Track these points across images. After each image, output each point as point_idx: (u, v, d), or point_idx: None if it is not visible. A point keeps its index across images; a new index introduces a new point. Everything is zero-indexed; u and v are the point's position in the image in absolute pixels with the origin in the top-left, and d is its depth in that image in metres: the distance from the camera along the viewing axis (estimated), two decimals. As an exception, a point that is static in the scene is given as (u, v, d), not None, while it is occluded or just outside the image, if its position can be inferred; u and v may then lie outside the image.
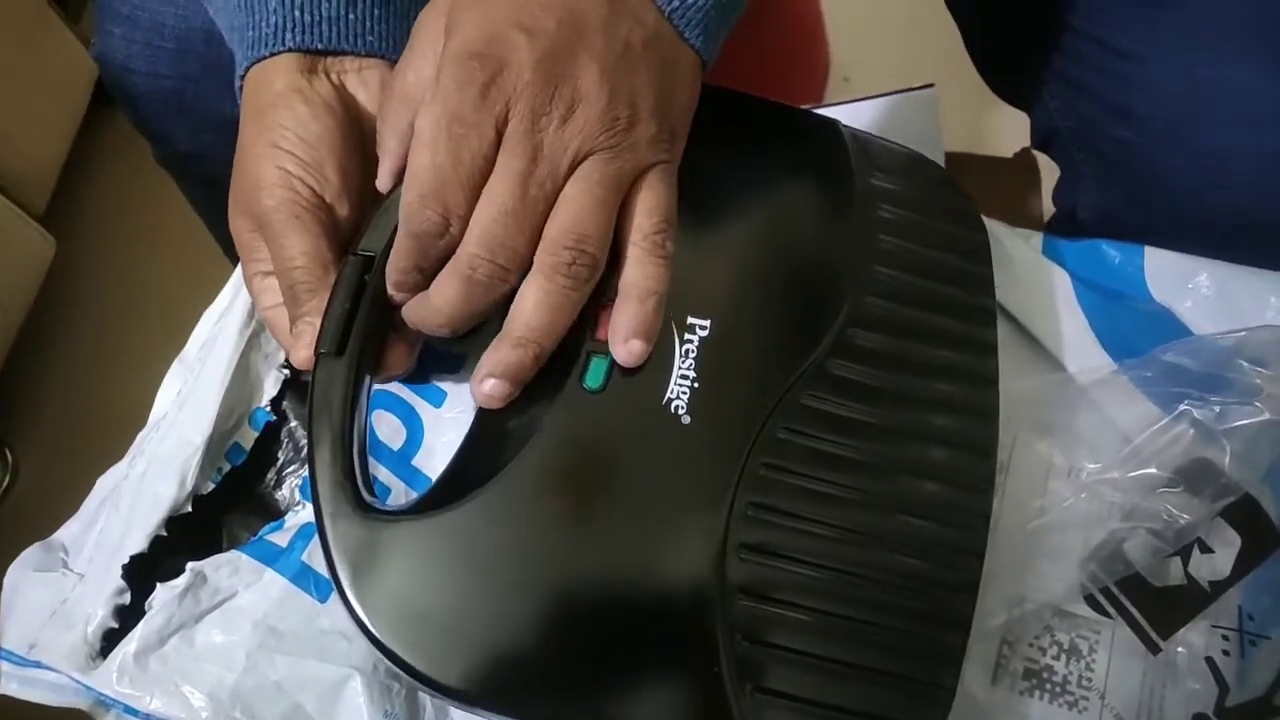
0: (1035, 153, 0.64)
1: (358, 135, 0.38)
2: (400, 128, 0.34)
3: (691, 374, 0.34)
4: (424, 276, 0.34)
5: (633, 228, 0.34)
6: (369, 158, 0.38)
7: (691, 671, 0.31)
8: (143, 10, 0.56)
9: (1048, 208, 0.67)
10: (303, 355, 0.35)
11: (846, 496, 0.34)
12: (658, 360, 0.34)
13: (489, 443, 0.35)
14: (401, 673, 0.31)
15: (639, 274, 0.34)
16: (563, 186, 0.33)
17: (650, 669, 0.31)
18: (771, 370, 0.35)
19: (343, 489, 0.32)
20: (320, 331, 0.35)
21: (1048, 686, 0.38)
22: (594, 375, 0.34)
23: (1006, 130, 1.00)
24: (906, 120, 0.60)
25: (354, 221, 0.38)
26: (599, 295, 0.35)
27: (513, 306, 0.33)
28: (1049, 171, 0.64)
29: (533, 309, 0.33)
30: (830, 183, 0.40)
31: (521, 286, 0.33)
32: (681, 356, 0.35)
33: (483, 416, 0.36)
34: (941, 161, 0.61)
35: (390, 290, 0.35)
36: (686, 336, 0.35)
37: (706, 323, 0.35)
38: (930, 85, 0.58)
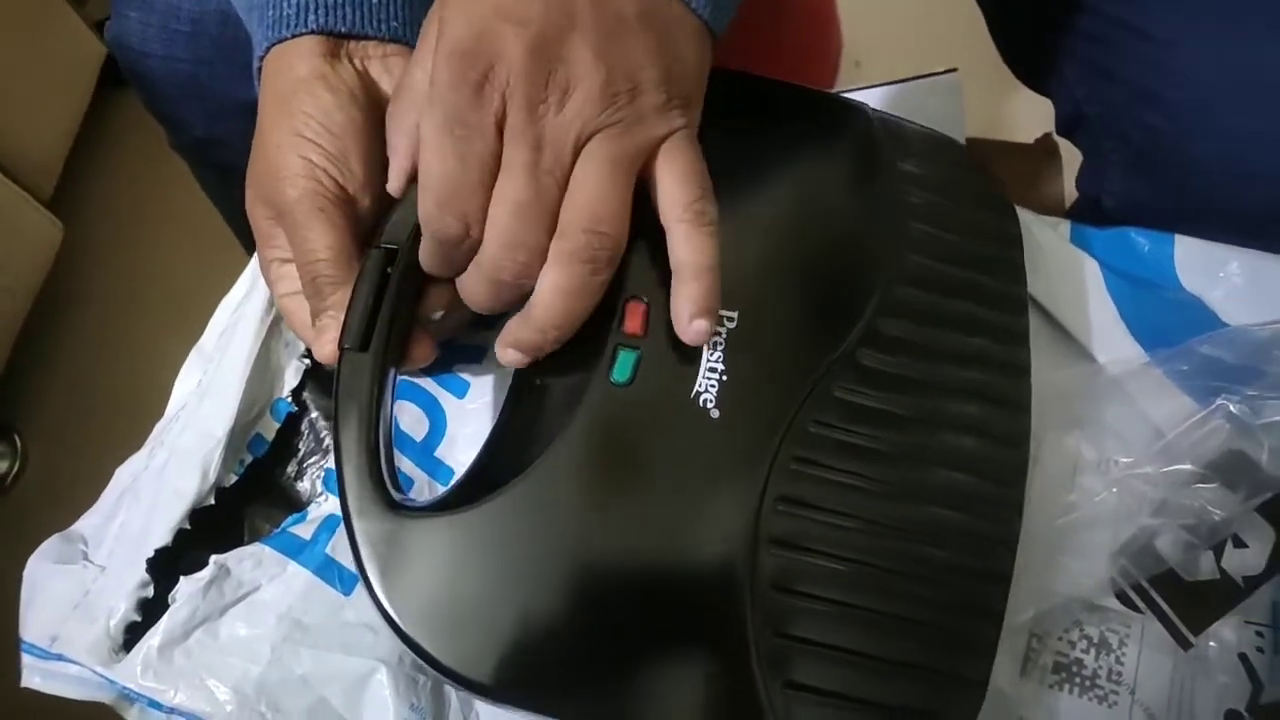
0: (1056, 138, 0.63)
1: (381, 124, 0.38)
2: (407, 127, 0.34)
3: (720, 367, 0.34)
4: (456, 269, 0.34)
5: (668, 201, 0.33)
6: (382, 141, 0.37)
7: (721, 667, 0.31)
8: None
9: (1069, 193, 0.67)
10: (327, 350, 0.35)
11: (877, 489, 0.34)
12: (686, 353, 0.34)
13: (516, 437, 0.35)
14: (431, 669, 0.30)
15: (688, 251, 0.33)
16: (571, 170, 0.32)
17: (679, 665, 0.31)
18: (800, 362, 0.35)
19: (369, 486, 0.32)
20: (344, 327, 0.34)
21: (1077, 680, 0.38)
22: (621, 369, 0.34)
23: (1023, 114, 1.00)
24: (928, 106, 0.59)
25: (376, 213, 0.37)
26: (624, 288, 0.34)
27: (534, 292, 0.33)
28: (1069, 157, 0.63)
29: (551, 298, 0.32)
30: (858, 169, 0.40)
31: (541, 273, 0.33)
32: (710, 349, 0.34)
33: (510, 411, 0.36)
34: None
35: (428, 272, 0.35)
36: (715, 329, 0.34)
37: (734, 314, 0.35)
38: (953, 70, 0.57)
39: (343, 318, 0.34)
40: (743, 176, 0.37)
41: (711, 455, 0.33)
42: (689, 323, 0.33)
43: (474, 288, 0.34)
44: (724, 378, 0.34)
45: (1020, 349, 0.38)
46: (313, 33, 0.37)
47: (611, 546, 0.32)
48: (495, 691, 0.31)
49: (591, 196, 0.32)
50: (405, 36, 0.39)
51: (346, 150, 0.36)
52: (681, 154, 0.33)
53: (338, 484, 0.32)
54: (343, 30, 0.38)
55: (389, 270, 0.34)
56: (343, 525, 0.37)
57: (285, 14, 0.37)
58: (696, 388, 0.34)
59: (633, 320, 0.34)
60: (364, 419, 0.33)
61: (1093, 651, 0.38)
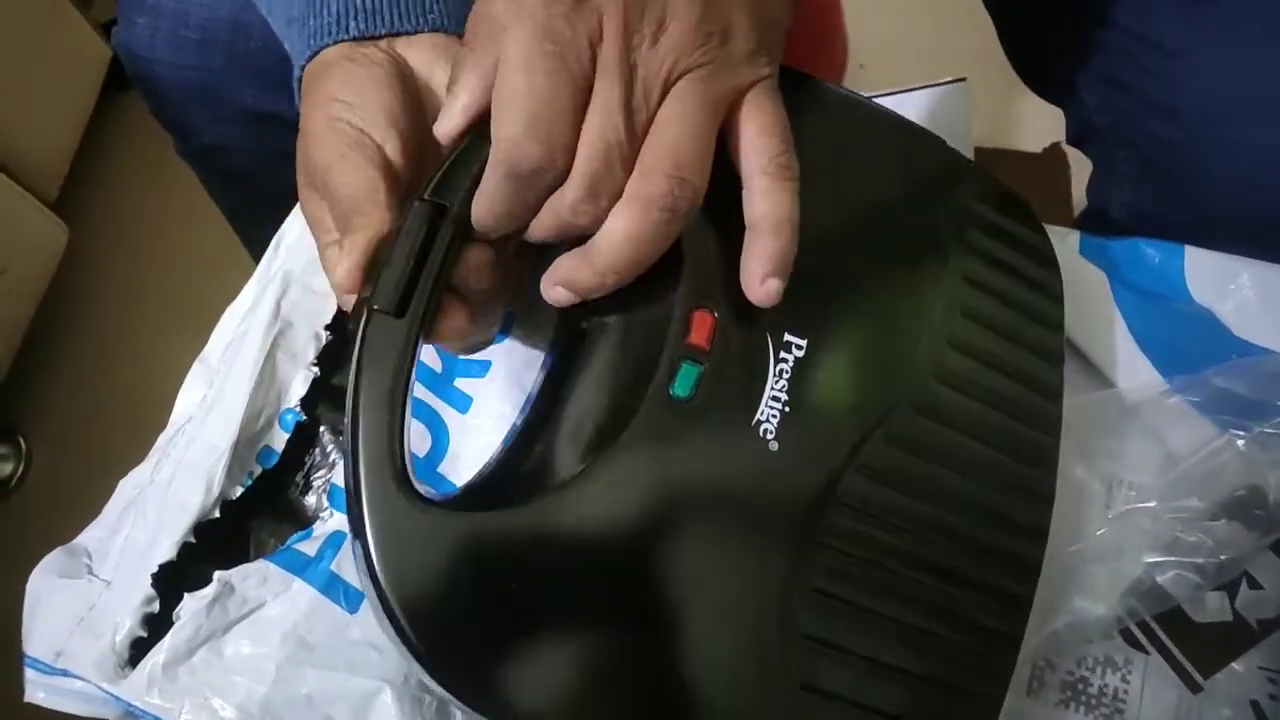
0: (1065, 146, 0.63)
1: (404, 84, 0.36)
2: (484, 66, 0.30)
3: (784, 396, 0.32)
4: (520, 217, 0.31)
5: (752, 152, 0.32)
6: (412, 107, 0.36)
7: (740, 704, 0.30)
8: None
9: (1078, 202, 0.66)
10: (335, 278, 0.32)
11: (919, 531, 0.33)
12: (751, 376, 0.32)
13: (563, 435, 0.33)
14: (423, 671, 0.29)
15: (769, 203, 0.31)
16: (657, 110, 0.30)
17: (694, 705, 0.30)
18: (863, 400, 0.34)
19: (386, 466, 0.29)
20: (378, 284, 0.30)
21: (1082, 699, 0.38)
22: (683, 383, 0.31)
23: (1031, 121, 0.99)
24: (936, 115, 0.59)
25: (402, 164, 0.35)
26: (687, 297, 0.32)
27: (600, 233, 0.30)
28: (1078, 165, 0.63)
29: (620, 241, 0.30)
30: (938, 208, 0.38)
31: (613, 213, 0.30)
32: (775, 376, 0.32)
33: (543, 412, 0.34)
34: (970, 156, 0.60)
35: (480, 230, 0.32)
36: (782, 355, 0.33)
37: (804, 343, 0.33)
38: (962, 79, 0.57)
39: (363, 241, 0.32)
40: (828, 202, 0.35)
41: (766, 490, 0.32)
42: (760, 282, 0.31)
43: (546, 233, 0.31)
44: (786, 409, 0.32)
45: (1054, 405, 0.37)
46: (352, 39, 0.36)
47: (648, 573, 0.30)
48: (486, 705, 0.29)
49: (677, 139, 0.30)
50: (443, 26, 0.37)
51: (367, 102, 0.35)
52: (766, 104, 0.32)
53: (350, 456, 0.29)
54: (382, 33, 0.37)
55: (435, 229, 0.31)
56: (348, 539, 0.37)
57: (326, 23, 0.36)
58: (758, 416, 0.32)
59: (699, 332, 0.32)
60: (387, 392, 0.29)
61: (1098, 670, 0.38)
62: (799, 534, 0.31)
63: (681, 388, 0.31)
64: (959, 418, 0.35)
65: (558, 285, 0.31)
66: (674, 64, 0.30)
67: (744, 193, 0.32)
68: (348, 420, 0.30)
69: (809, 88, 0.37)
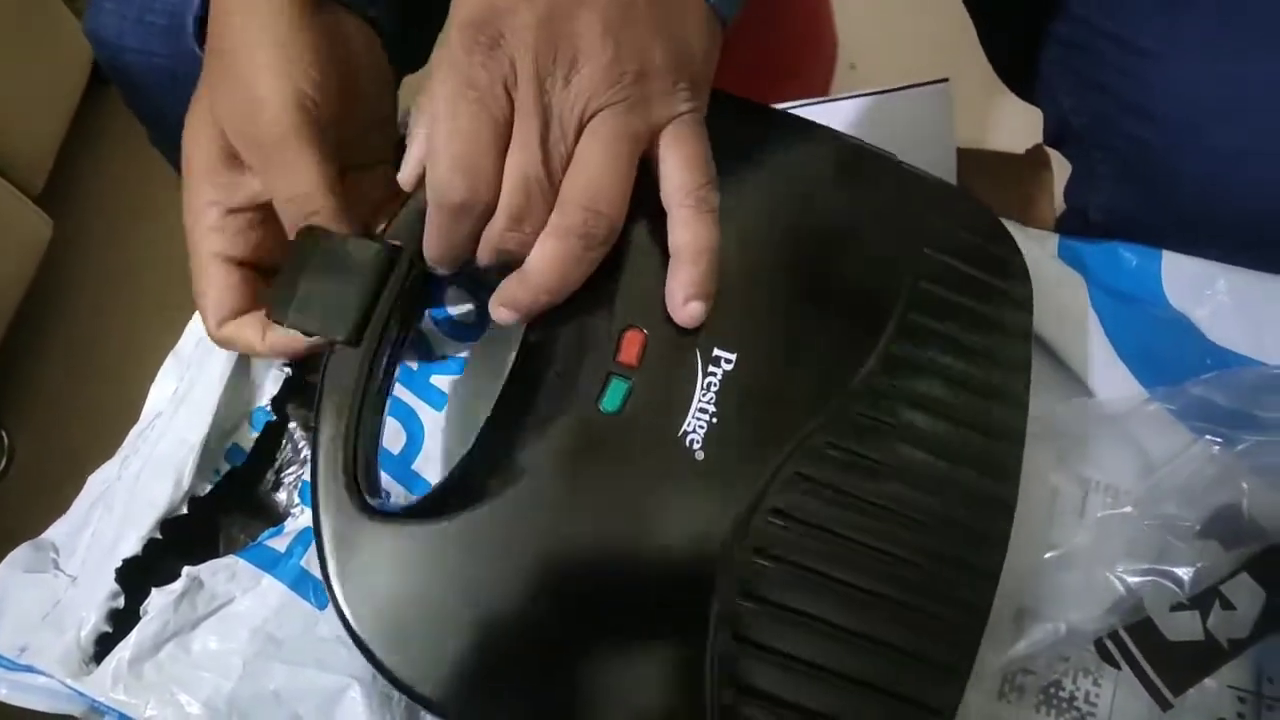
0: (1048, 149, 0.63)
1: (344, 63, 0.37)
2: (429, 115, 0.33)
3: (711, 408, 0.33)
4: (459, 250, 0.34)
5: (671, 186, 0.34)
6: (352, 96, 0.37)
7: (672, 709, 0.31)
8: None
9: (1059, 205, 0.66)
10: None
11: (856, 551, 0.33)
12: (678, 389, 0.33)
13: (499, 450, 0.34)
14: (380, 675, 0.31)
15: (688, 234, 0.33)
16: (575, 145, 0.32)
17: (629, 702, 0.31)
18: (794, 413, 0.34)
19: (341, 483, 0.32)
20: (343, 320, 0.33)
21: (1054, 702, 0.38)
22: (612, 398, 0.33)
23: (1017, 121, 0.99)
24: (918, 116, 0.58)
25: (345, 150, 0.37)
26: (625, 314, 0.34)
27: (530, 258, 0.33)
28: (1061, 167, 0.63)
29: (546, 267, 0.33)
30: (878, 222, 0.38)
31: (538, 241, 0.33)
32: (703, 389, 0.33)
33: (494, 422, 0.35)
34: (953, 157, 0.60)
35: (431, 265, 0.35)
36: (710, 369, 0.34)
37: (733, 357, 0.34)
38: (944, 80, 0.57)
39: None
40: (763, 219, 0.37)
41: (691, 497, 0.33)
42: (683, 304, 0.33)
43: (481, 251, 0.34)
44: (714, 420, 0.33)
45: (1017, 413, 0.37)
46: None
47: (576, 577, 0.31)
48: (435, 704, 0.31)
49: (591, 174, 0.32)
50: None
51: (331, 89, 0.36)
52: (687, 139, 0.34)
53: (310, 477, 0.32)
54: None
55: (392, 267, 0.34)
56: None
57: None
58: (685, 427, 0.33)
59: (629, 350, 0.34)
60: (345, 415, 0.32)
61: (1071, 674, 0.38)
62: (726, 539, 0.32)
63: (610, 403, 0.33)
64: (905, 429, 0.35)
65: (501, 305, 0.34)
66: (587, 102, 0.32)
67: (668, 222, 0.34)
68: (311, 441, 0.33)
69: (754, 112, 0.38)
